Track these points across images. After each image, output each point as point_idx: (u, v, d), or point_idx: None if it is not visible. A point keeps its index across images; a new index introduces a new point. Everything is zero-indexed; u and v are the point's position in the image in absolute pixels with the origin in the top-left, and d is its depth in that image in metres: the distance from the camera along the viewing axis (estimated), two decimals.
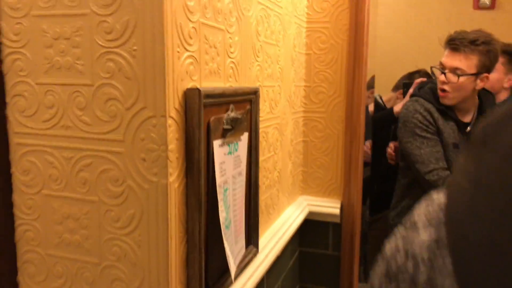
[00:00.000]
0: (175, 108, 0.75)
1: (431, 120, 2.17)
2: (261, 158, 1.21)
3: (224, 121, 0.90)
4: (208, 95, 0.81)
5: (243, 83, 1.06)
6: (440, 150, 2.13)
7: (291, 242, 1.57)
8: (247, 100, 1.04)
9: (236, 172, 0.98)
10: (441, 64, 2.15)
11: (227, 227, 0.93)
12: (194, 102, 0.77)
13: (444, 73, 2.07)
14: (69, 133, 0.79)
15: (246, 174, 1.06)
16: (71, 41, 0.76)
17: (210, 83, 0.88)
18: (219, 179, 0.88)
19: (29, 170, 0.83)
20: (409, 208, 2.25)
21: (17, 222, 0.86)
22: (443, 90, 2.06)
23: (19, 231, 0.87)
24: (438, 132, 2.18)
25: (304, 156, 1.68)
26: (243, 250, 1.05)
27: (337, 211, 1.64)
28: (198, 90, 0.77)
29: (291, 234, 1.42)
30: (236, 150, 0.98)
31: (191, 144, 0.78)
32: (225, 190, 0.92)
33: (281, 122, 1.38)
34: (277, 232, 1.32)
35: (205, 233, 0.85)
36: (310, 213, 1.66)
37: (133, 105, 0.74)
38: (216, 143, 0.86)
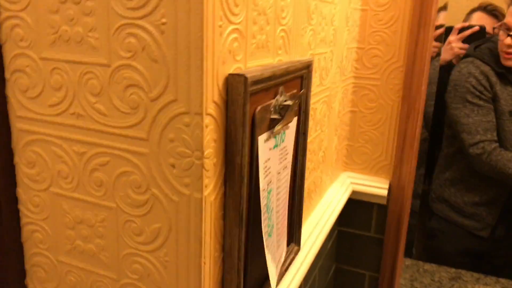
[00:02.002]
0: (214, 102, 0.58)
1: (487, 85, 1.93)
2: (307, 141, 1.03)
3: (272, 109, 0.72)
4: (256, 81, 0.63)
5: (294, 54, 0.87)
6: (492, 120, 1.91)
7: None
8: (298, 76, 0.85)
9: (282, 167, 0.82)
10: (505, 24, 1.87)
11: (269, 234, 0.77)
12: (238, 92, 0.60)
13: (511, 35, 1.80)
14: (81, 123, 0.63)
15: (292, 164, 0.89)
16: (82, 7, 0.58)
17: (256, 61, 0.70)
18: (262, 182, 0.71)
19: (35, 163, 0.68)
20: (452, 181, 2.07)
21: (24, 220, 0.73)
22: (509, 53, 1.81)
23: (26, 230, 0.73)
24: (494, 99, 1.95)
25: (350, 129, 1.49)
26: (285, 251, 0.90)
27: (384, 192, 1.47)
28: (244, 77, 0.59)
29: (334, 220, 1.27)
30: (283, 140, 0.80)
31: (232, 147, 0.61)
32: (269, 192, 0.75)
33: (330, 94, 1.19)
34: (319, 221, 1.17)
35: (245, 248, 0.70)
36: (353, 193, 1.50)
37: (160, 96, 0.57)
38: (262, 139, 0.69)
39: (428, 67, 1.36)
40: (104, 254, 0.67)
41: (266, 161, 0.72)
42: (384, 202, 1.49)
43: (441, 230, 2.12)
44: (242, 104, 0.60)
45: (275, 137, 0.75)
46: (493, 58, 1.94)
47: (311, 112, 1.03)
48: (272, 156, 0.75)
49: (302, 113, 0.89)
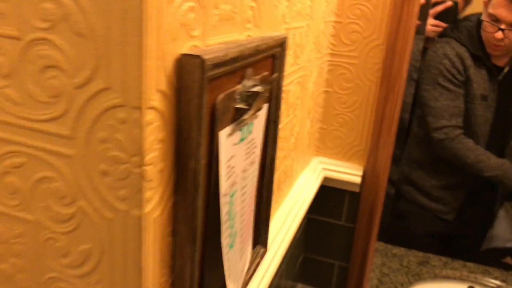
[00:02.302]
0: (160, 91, 0.44)
1: (460, 68, 1.86)
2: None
3: (237, 98, 0.59)
4: (217, 64, 0.49)
5: (265, 28, 0.73)
6: (460, 105, 1.86)
7: None
8: (270, 56, 0.72)
9: (248, 163, 0.69)
10: (491, 16, 1.77)
11: (231, 245, 0.65)
12: (192, 78, 0.46)
13: (502, 30, 1.71)
14: None
15: (260, 158, 0.76)
16: None
17: (219, 37, 0.56)
18: (224, 185, 0.59)
19: None
20: (420, 164, 2.01)
21: None
22: (498, 46, 1.72)
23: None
24: (467, 82, 1.88)
25: (324, 110, 1.38)
26: (249, 258, 0.79)
27: (357, 179, 1.37)
28: (201, 59, 0.45)
29: (304, 211, 1.16)
30: (250, 132, 0.67)
31: (184, 148, 0.48)
32: (232, 196, 0.63)
33: (305, 74, 1.06)
34: (288, 215, 1.06)
35: (200, 267, 0.57)
36: (325, 179, 1.40)
37: (87, 82, 0.43)
38: (224, 134, 0.56)
39: (410, 45, 1.25)
40: (21, 276, 0.53)
41: (229, 160, 0.59)
42: (357, 189, 1.40)
43: (410, 211, 2.08)
44: (198, 94, 0.46)
45: (241, 129, 0.62)
46: (470, 39, 1.86)
47: (283, 95, 0.90)
48: (237, 152, 0.62)
49: (274, 98, 0.76)
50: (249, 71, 0.62)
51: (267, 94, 0.70)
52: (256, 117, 0.68)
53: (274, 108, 0.77)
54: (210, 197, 0.56)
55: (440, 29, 1.93)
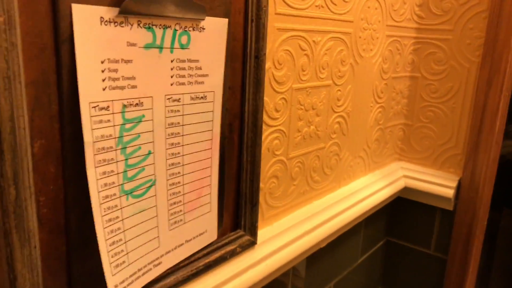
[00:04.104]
0: None
1: None
2: (293, 85, 0.69)
3: None
4: None
5: None
6: None
7: (370, 225, 1.04)
8: None
9: (187, 90, 0.50)
10: None
11: (128, 192, 0.46)
12: None
13: None
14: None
15: (234, 104, 0.57)
16: None
17: None
18: (88, 88, 0.41)
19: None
20: None
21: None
22: None
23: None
24: None
25: (408, 101, 1.09)
26: (200, 233, 0.58)
27: (450, 192, 1.04)
28: None
29: (354, 217, 0.89)
30: (184, 46, 0.49)
31: None
32: (135, 119, 0.45)
33: (356, 33, 0.83)
34: (315, 215, 0.81)
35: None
36: (407, 190, 1.09)
37: None
38: (87, 11, 0.39)
39: None
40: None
41: (111, 61, 0.42)
42: (450, 207, 1.06)
43: None
44: None
45: (149, 28, 0.44)
46: None
47: (300, 43, 0.69)
48: (140, 60, 0.44)
49: (250, 20, 0.56)
50: None
51: None
52: (197, 28, 0.50)
53: (251, 35, 0.57)
54: (61, 96, 0.39)
55: None
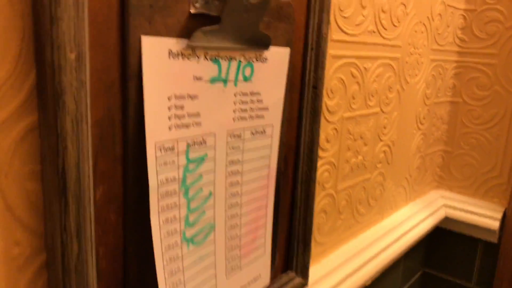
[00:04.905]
0: None
1: None
2: (344, 114, 0.65)
3: None
4: None
5: None
6: None
7: (409, 257, 0.98)
8: None
9: (247, 126, 0.46)
10: None
11: (189, 239, 0.42)
12: None
13: None
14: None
15: (288, 137, 0.53)
16: None
17: None
18: (157, 129, 0.37)
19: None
20: None
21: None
22: None
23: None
24: None
25: (449, 128, 1.04)
26: (263, 279, 0.53)
27: (495, 224, 0.99)
28: None
29: (394, 255, 0.84)
30: (247, 79, 0.45)
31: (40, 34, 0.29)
32: (197, 160, 0.41)
33: (403, 59, 0.79)
34: (363, 251, 0.76)
35: (102, 251, 0.36)
36: (447, 220, 1.04)
37: None
38: (156, 44, 0.36)
39: None
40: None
41: (175, 96, 0.38)
42: (494, 239, 1.00)
43: None
44: None
45: (214, 60, 0.41)
46: None
47: (352, 70, 0.65)
48: (205, 94, 0.41)
49: (310, 49, 0.52)
50: None
51: (285, 26, 0.47)
52: (260, 59, 0.46)
53: (310, 64, 0.53)
54: (127, 136, 0.36)
55: None
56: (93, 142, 0.33)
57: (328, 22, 0.54)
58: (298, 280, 0.60)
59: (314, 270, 0.66)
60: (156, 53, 0.36)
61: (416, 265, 1.08)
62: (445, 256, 1.08)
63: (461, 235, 1.05)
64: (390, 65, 0.75)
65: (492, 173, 1.01)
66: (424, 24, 0.84)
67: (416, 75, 0.85)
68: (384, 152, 0.80)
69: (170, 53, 0.37)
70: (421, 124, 0.93)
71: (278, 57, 0.48)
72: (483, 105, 0.99)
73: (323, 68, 0.54)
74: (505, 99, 0.96)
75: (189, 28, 0.38)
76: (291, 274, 0.59)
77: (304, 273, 0.60)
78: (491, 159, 1.00)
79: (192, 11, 0.38)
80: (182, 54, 0.38)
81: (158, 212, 0.38)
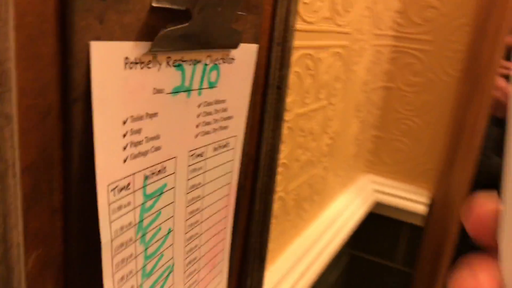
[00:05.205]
0: None
1: None
2: (298, 110, 0.59)
3: None
4: None
5: None
6: None
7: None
8: None
9: (208, 142, 0.38)
10: None
11: None
12: None
13: None
14: None
15: (247, 145, 0.45)
16: None
17: None
18: (111, 166, 0.28)
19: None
20: None
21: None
22: None
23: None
24: None
25: (382, 113, 1.03)
26: None
27: (421, 208, 1.01)
28: None
29: (340, 244, 0.82)
30: (212, 85, 0.36)
31: None
32: (153, 194, 0.32)
33: (351, 47, 0.74)
34: (311, 249, 0.72)
35: None
36: (377, 205, 1.04)
37: None
38: (110, 51, 0.26)
39: (508, 26, 0.89)
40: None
41: (135, 118, 0.28)
42: (420, 222, 1.03)
43: None
44: None
45: (177, 66, 0.31)
46: None
47: (308, 62, 0.58)
48: (167, 110, 0.32)
49: (274, 43, 0.45)
50: None
51: (244, 13, 0.39)
52: (226, 59, 0.37)
53: (275, 61, 0.45)
54: (69, 182, 0.26)
55: None
56: (24, 195, 0.23)
57: (296, 11, 0.46)
58: None
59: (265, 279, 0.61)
60: (109, 63, 0.26)
61: (346, 249, 1.08)
62: (372, 239, 1.09)
63: (389, 218, 1.06)
64: (339, 53, 0.70)
65: (421, 158, 1.02)
66: (370, 8, 0.79)
67: (359, 62, 0.81)
68: (328, 145, 0.76)
69: (127, 61, 0.27)
70: (359, 111, 0.90)
71: (245, 55, 0.40)
72: (415, 92, 0.99)
73: (288, 65, 0.47)
74: (437, 87, 0.96)
75: (150, 27, 0.28)
76: None
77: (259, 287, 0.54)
78: (420, 145, 1.01)
79: (155, 4, 0.28)
80: (140, 62, 0.28)
81: (112, 272, 0.29)
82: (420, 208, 1.01)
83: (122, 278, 0.30)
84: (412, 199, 1.02)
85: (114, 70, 0.26)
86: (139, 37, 0.28)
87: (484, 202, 0.17)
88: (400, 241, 1.07)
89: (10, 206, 0.22)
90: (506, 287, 0.15)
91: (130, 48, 0.27)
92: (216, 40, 0.34)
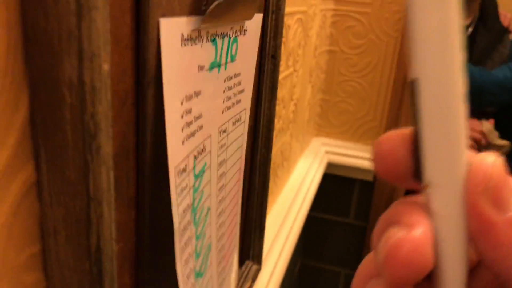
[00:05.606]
0: None
1: None
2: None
3: None
4: None
5: None
6: None
7: None
8: None
9: (229, 118, 0.37)
10: None
11: (198, 274, 0.33)
12: None
13: None
14: None
15: (253, 115, 0.45)
16: None
17: None
18: (177, 149, 0.27)
19: None
20: None
21: None
22: None
23: None
24: None
25: (327, 76, 1.06)
26: (234, 284, 0.47)
27: (370, 164, 1.06)
28: None
29: (307, 209, 0.85)
30: (233, 58, 0.35)
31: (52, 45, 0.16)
32: (199, 175, 0.31)
33: (307, 12, 0.75)
34: (288, 214, 0.75)
35: None
36: (329, 165, 1.09)
37: None
38: (173, 29, 0.24)
39: None
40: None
41: (188, 98, 0.27)
42: (370, 177, 1.09)
43: None
44: None
45: (213, 41, 0.30)
46: None
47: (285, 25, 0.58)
48: (206, 87, 0.31)
49: (271, 13, 0.44)
50: None
51: None
52: (242, 31, 0.36)
53: (270, 30, 0.45)
54: (142, 171, 0.25)
55: None
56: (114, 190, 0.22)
57: None
58: (255, 267, 0.55)
59: None
60: (172, 41, 0.24)
61: None
62: (325, 199, 1.14)
63: (340, 177, 1.11)
64: (301, 19, 0.71)
65: (366, 117, 1.08)
66: None
67: (312, 27, 0.83)
68: (293, 111, 0.78)
69: (182, 39, 0.26)
70: (311, 76, 0.92)
71: (254, 26, 0.39)
72: (358, 54, 1.03)
73: (281, 34, 0.47)
74: (379, 47, 1.01)
75: (195, 2, 0.27)
76: (249, 263, 0.54)
77: (259, 259, 0.55)
78: (365, 104, 1.06)
79: None
80: (190, 39, 0.27)
81: (181, 257, 0.28)
82: (369, 164, 1.07)
83: (186, 261, 0.29)
84: (361, 157, 1.08)
85: (175, 48, 0.25)
86: (190, 12, 0.26)
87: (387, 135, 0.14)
88: (353, 198, 1.13)
89: (110, 204, 0.20)
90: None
91: (184, 24, 0.26)
92: (240, 11, 0.33)
